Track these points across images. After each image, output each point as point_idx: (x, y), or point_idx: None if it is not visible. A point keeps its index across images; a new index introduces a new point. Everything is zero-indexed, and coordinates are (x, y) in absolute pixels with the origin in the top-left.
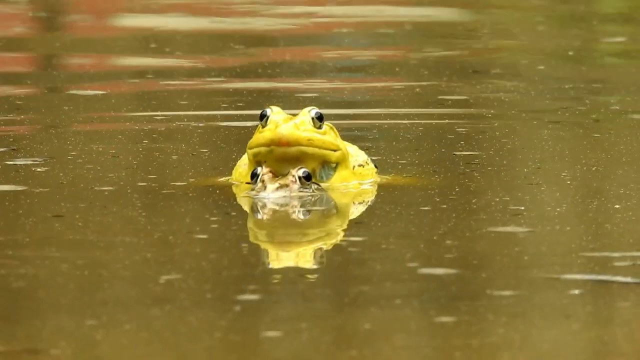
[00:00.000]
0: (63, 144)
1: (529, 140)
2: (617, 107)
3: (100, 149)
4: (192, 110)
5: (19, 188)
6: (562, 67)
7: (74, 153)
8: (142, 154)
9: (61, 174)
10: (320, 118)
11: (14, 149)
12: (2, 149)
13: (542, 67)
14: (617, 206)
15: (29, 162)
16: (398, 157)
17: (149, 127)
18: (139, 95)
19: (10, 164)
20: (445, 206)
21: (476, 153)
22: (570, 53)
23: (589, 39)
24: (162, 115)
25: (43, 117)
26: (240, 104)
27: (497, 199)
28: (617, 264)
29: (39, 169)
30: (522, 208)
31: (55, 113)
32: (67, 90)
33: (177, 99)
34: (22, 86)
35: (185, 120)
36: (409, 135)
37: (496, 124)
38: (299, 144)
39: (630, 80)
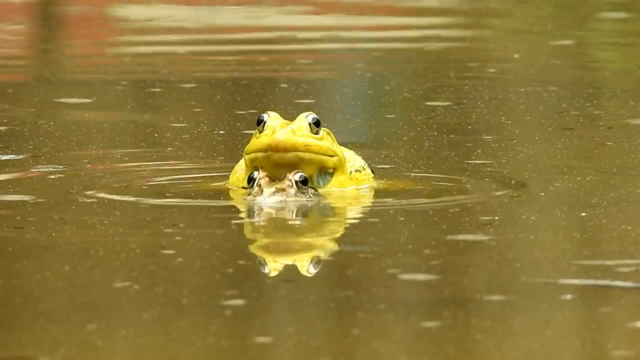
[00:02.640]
0: (84, 151)
1: (542, 148)
2: (626, 113)
3: (118, 156)
4: (213, 115)
5: (26, 198)
6: (555, 71)
7: (86, 162)
8: (158, 161)
9: (74, 182)
10: (317, 123)
11: (34, 156)
12: (21, 156)
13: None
14: (583, 214)
15: (48, 170)
16: (411, 165)
17: (169, 134)
18: (160, 102)
19: (26, 171)
20: (430, 213)
21: (488, 162)
22: (558, 61)
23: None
24: (184, 121)
25: (64, 124)
26: (254, 111)
27: (479, 208)
28: (595, 270)
29: (52, 177)
30: (496, 218)
31: (77, 121)
32: (86, 97)
33: (199, 105)
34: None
35: (206, 127)
36: (427, 144)
37: (517, 132)
38: (296, 150)
39: (634, 85)
